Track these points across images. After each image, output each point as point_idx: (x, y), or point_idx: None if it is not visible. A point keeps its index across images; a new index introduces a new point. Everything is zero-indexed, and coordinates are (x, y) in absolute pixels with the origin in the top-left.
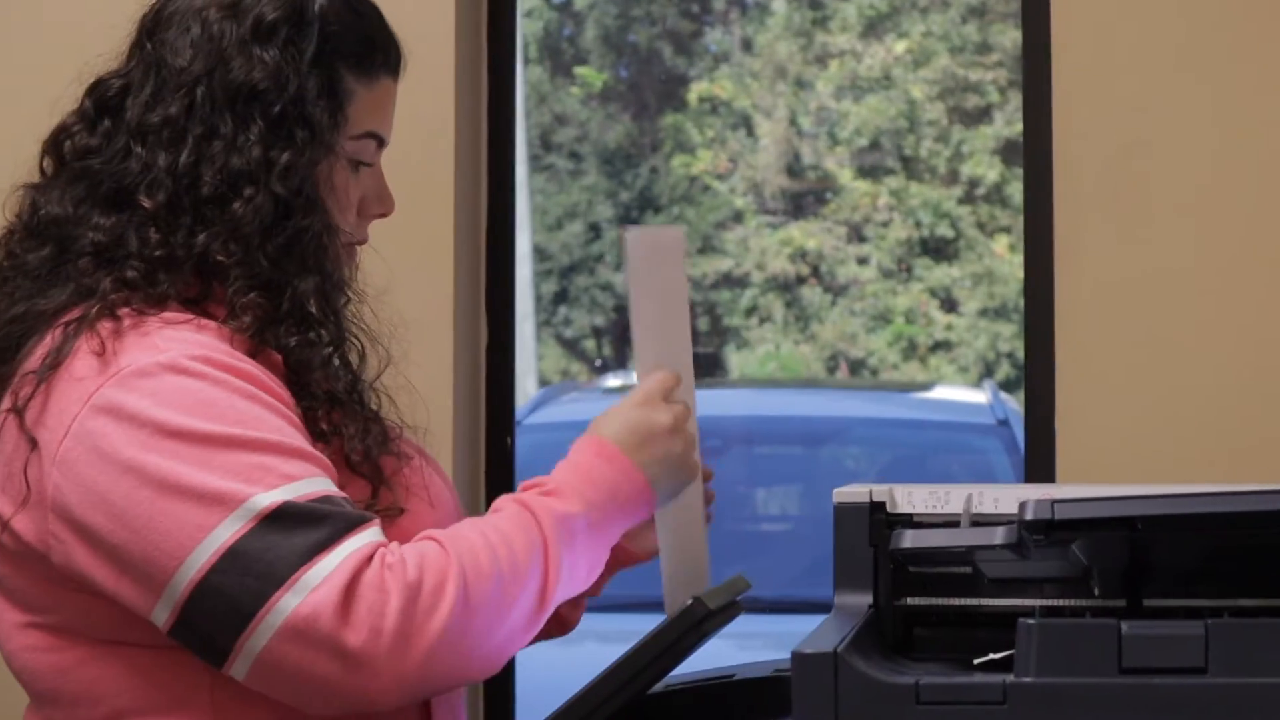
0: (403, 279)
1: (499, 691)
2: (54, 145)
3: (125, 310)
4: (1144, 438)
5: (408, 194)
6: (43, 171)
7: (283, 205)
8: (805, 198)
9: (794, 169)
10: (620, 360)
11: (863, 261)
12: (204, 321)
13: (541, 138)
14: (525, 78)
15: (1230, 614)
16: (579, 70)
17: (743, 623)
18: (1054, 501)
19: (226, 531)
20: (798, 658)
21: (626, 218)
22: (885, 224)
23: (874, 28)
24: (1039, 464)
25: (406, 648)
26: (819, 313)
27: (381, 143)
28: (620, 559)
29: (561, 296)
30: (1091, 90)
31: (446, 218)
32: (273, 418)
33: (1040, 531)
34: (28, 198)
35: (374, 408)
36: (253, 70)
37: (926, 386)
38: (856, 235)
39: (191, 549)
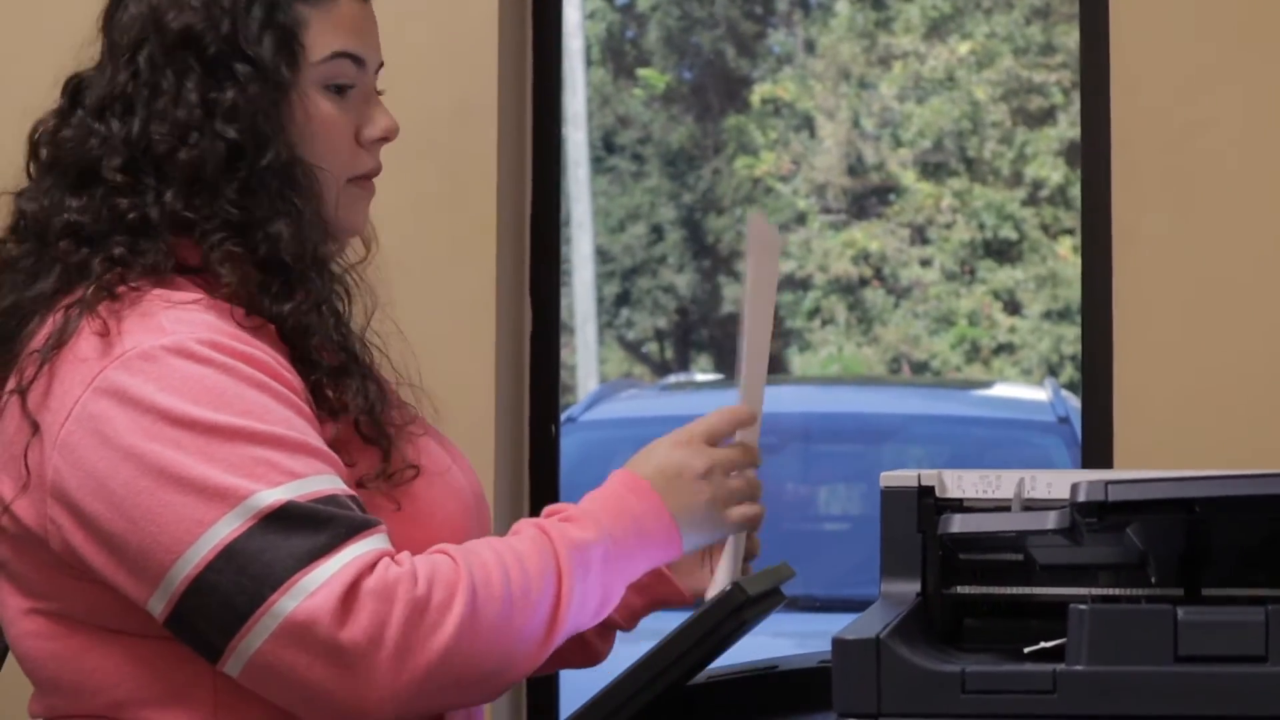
0: (444, 265)
1: (543, 677)
2: (32, 147)
3: (122, 288)
4: (1204, 426)
5: (449, 179)
6: (29, 176)
7: (233, 147)
8: (868, 199)
9: (857, 170)
10: (682, 362)
11: (925, 263)
12: (211, 300)
13: (604, 139)
14: (588, 79)
15: None
16: (642, 72)
17: (800, 621)
18: (1108, 483)
19: (225, 529)
20: (839, 644)
21: (689, 220)
22: (948, 226)
23: (937, 29)
24: (1096, 454)
25: (406, 661)
26: (881, 315)
27: (359, 61)
28: (663, 597)
29: (624, 299)
30: (1150, 75)
31: (489, 201)
32: (281, 409)
33: (1094, 514)
34: (12, 204)
35: (366, 361)
36: (183, 17)
37: (987, 384)
38: (919, 237)
39: (189, 544)
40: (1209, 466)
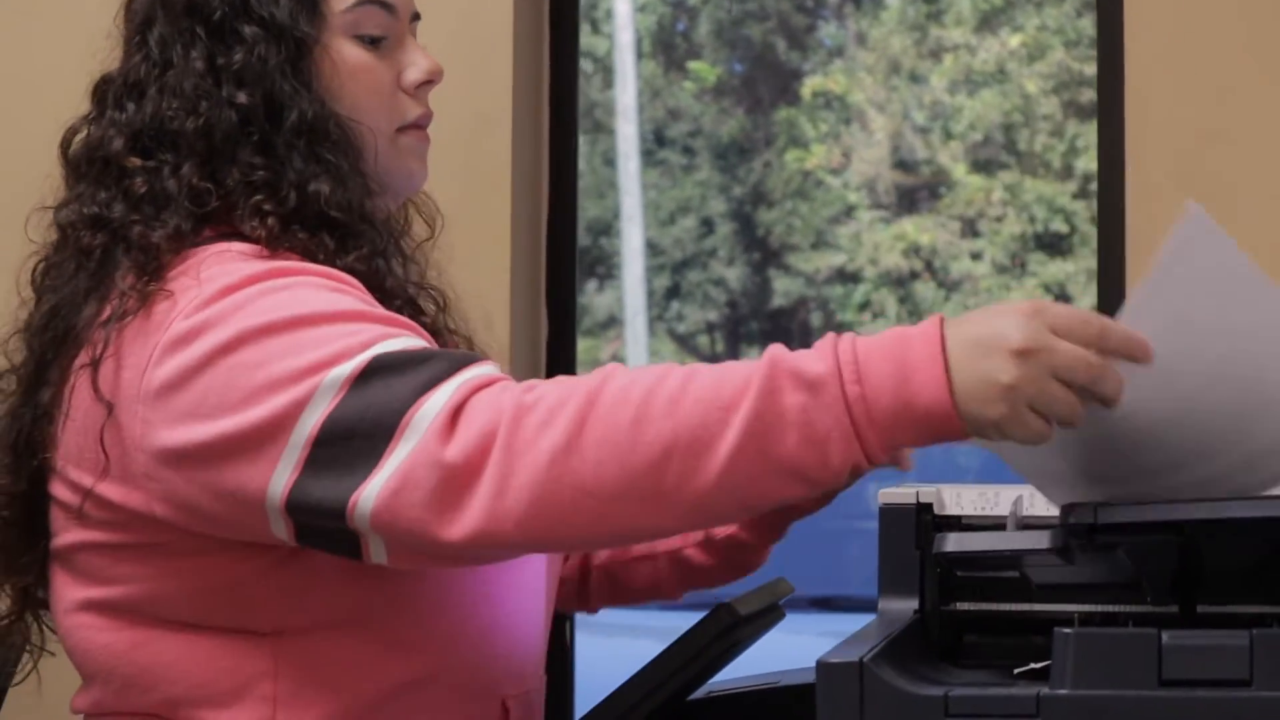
0: (458, 273)
1: (558, 685)
2: (64, 157)
3: (171, 263)
4: None
5: (463, 188)
6: (68, 187)
7: (244, 111)
8: (918, 192)
9: (907, 164)
10: (733, 355)
11: (976, 257)
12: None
13: (654, 132)
14: (638, 72)
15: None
16: (692, 65)
17: (848, 621)
18: (1097, 505)
19: (322, 403)
20: (822, 667)
21: (739, 213)
22: (999, 219)
23: (988, 21)
24: None
25: (515, 466)
26: (932, 308)
27: (388, 7)
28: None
29: (674, 292)
30: (1164, 88)
31: (503, 209)
32: (359, 302)
33: (1083, 536)
34: (52, 219)
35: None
36: None
37: None
38: (970, 230)
39: (290, 431)
40: None
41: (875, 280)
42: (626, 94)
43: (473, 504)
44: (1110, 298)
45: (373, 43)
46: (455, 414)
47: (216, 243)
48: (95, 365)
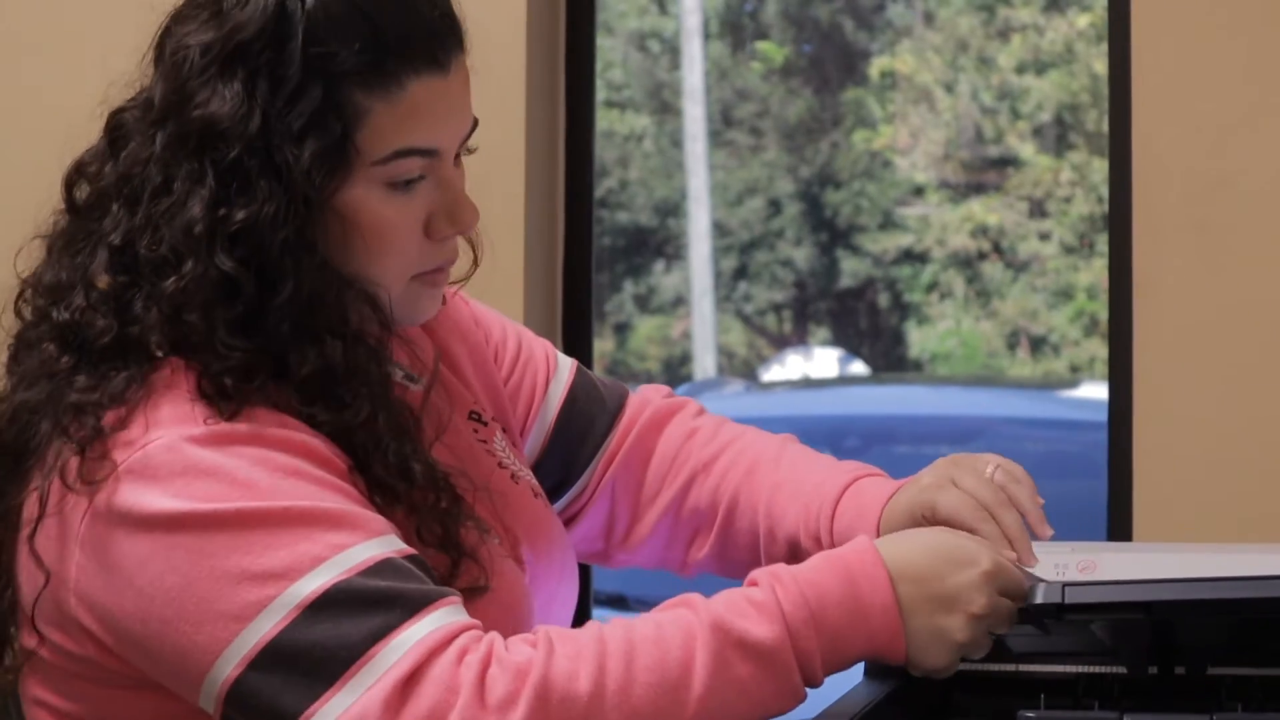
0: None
1: None
2: (67, 188)
3: (109, 416)
4: (1226, 489)
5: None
6: (65, 212)
7: (232, 280)
8: (986, 173)
9: (975, 144)
10: (800, 336)
11: (1044, 237)
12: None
13: (722, 113)
14: (705, 53)
15: (1244, 707)
16: (760, 45)
17: None
18: (1064, 584)
19: (267, 623)
20: None
21: (806, 193)
22: (1067, 200)
23: (1056, 2)
24: (1119, 507)
25: None
26: (1000, 289)
27: (430, 154)
28: None
29: (741, 272)
30: (1173, 119)
31: (516, 249)
32: (310, 486)
33: (1051, 616)
34: (42, 249)
35: (441, 471)
36: (210, 106)
37: (1074, 384)
38: (1038, 211)
39: (227, 644)
40: (1232, 530)
41: (943, 261)
42: (694, 75)
43: None
44: (1120, 340)
45: (406, 185)
46: (407, 682)
47: (165, 366)
48: (35, 526)
